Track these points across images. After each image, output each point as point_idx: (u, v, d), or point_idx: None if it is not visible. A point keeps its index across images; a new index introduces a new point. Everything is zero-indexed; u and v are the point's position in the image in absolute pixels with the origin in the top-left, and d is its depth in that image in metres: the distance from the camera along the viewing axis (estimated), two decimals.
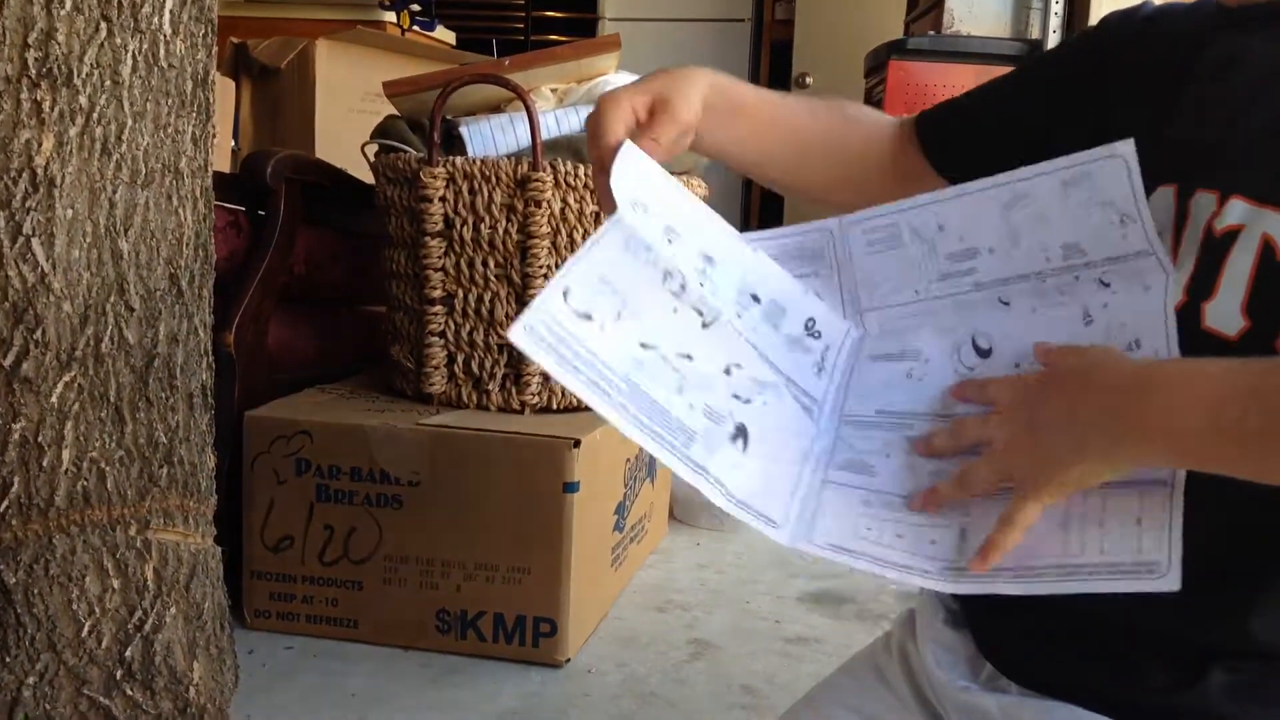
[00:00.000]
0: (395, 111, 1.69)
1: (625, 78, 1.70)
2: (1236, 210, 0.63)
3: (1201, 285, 0.64)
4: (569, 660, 1.43)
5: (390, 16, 2.79)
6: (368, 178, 1.71)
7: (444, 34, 3.06)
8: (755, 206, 5.74)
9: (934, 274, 0.69)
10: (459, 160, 1.53)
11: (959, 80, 3.44)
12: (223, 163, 2.21)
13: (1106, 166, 0.62)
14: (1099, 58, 0.78)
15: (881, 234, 0.72)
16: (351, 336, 1.88)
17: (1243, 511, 0.61)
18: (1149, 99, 0.73)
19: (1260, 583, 0.61)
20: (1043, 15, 3.39)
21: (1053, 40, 3.35)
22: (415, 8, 2.86)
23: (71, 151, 1.02)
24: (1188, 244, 0.65)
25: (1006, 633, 0.72)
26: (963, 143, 0.86)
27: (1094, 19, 3.00)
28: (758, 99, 0.89)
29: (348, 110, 2.48)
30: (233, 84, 2.54)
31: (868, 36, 4.31)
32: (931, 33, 3.55)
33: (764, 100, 0.90)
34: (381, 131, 1.63)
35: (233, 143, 2.59)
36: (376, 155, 1.63)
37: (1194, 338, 0.63)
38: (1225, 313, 0.62)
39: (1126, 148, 0.62)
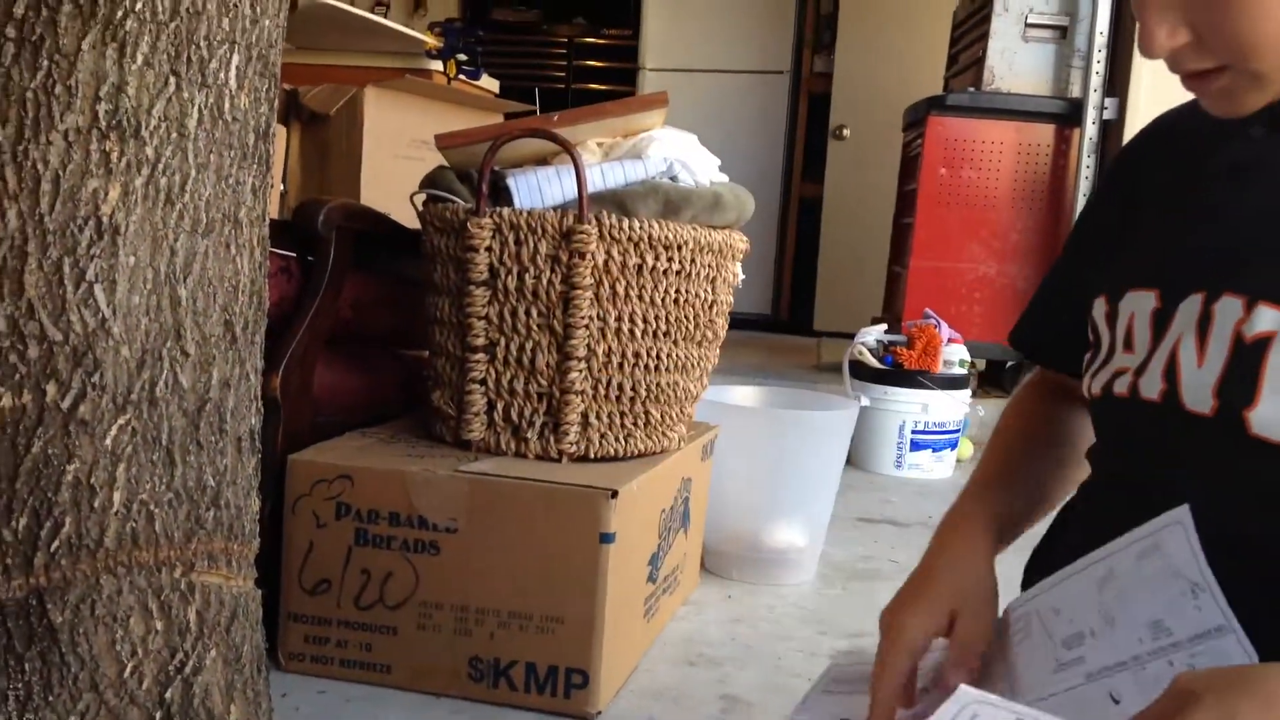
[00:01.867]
0: (444, 162, 1.72)
1: (670, 133, 1.73)
2: (1267, 317, 0.63)
3: (1237, 391, 0.64)
4: (600, 713, 1.43)
5: (437, 65, 2.85)
6: (412, 222, 1.74)
7: (488, 83, 3.11)
8: (788, 269, 5.75)
9: (1052, 664, 0.65)
10: (505, 211, 1.56)
11: (999, 136, 3.46)
12: (272, 208, 2.26)
13: (1169, 534, 0.60)
14: (1121, 183, 0.80)
15: (1020, 623, 0.69)
16: (394, 381, 1.90)
17: None
18: (1169, 208, 0.74)
19: None
20: (1084, 74, 3.41)
21: (1093, 99, 3.36)
22: (462, 57, 2.92)
23: (136, 201, 1.05)
24: (1214, 347, 0.66)
25: None
26: (1056, 343, 0.86)
27: (1135, 78, 3.02)
28: (1018, 511, 0.87)
29: (394, 156, 2.53)
30: (283, 129, 2.59)
31: (906, 90, 4.36)
32: (971, 89, 3.58)
33: (1019, 508, 0.87)
34: (430, 181, 1.66)
35: (281, 187, 2.64)
36: (425, 204, 1.66)
37: (1238, 444, 0.63)
38: (1272, 419, 0.63)
39: (1183, 513, 0.59)
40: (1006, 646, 0.72)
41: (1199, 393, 0.66)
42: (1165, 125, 0.79)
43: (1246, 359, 0.64)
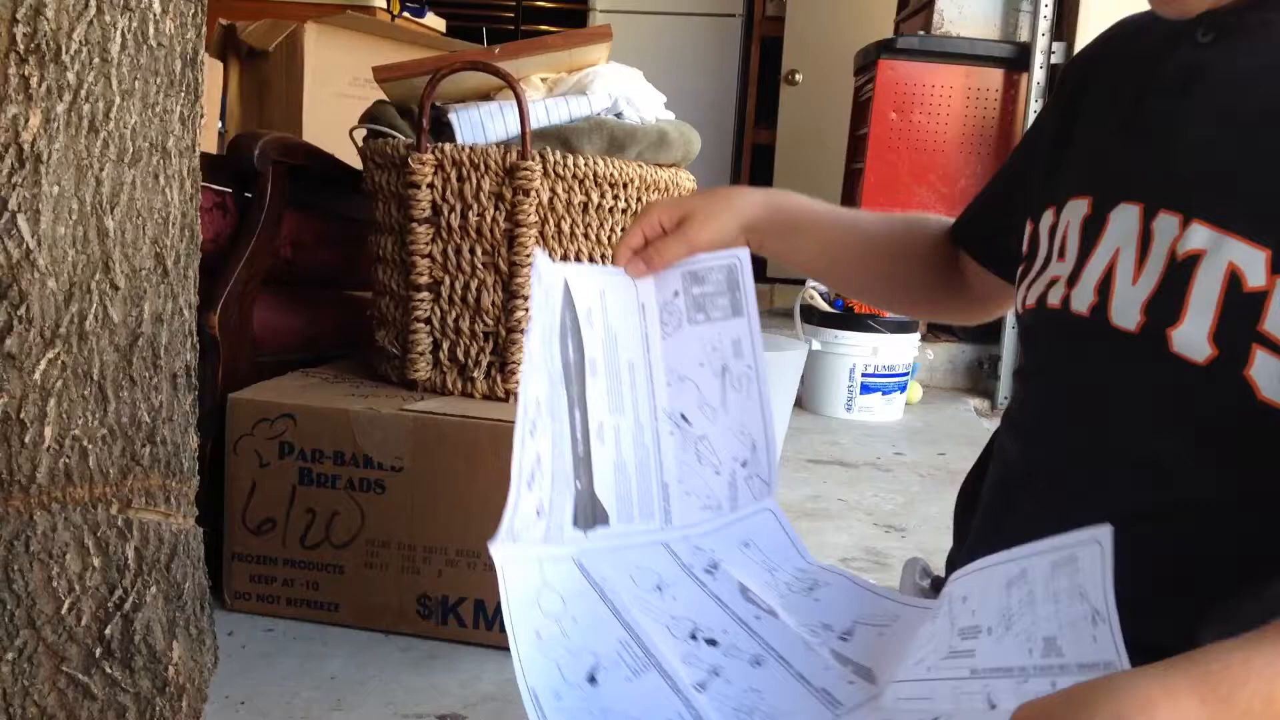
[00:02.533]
0: (384, 97, 1.69)
1: (615, 69, 1.70)
2: (1198, 235, 0.63)
3: (1164, 309, 0.64)
4: None
5: (380, 2, 2.79)
6: (355, 162, 1.71)
7: (434, 21, 3.05)
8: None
9: (945, 650, 0.66)
10: (448, 147, 1.54)
11: (948, 80, 3.46)
12: (210, 145, 2.21)
13: (1086, 551, 0.59)
14: (1071, 92, 0.79)
15: (937, 603, 0.71)
16: (336, 321, 1.88)
17: (1200, 543, 0.63)
18: (1113, 117, 0.74)
19: (1210, 605, 0.63)
20: (1032, 18, 3.41)
21: (1041, 43, 3.37)
22: None
23: (59, 128, 1.02)
24: (1151, 265, 0.66)
25: None
26: (993, 233, 0.86)
27: (1083, 22, 3.04)
28: (818, 218, 0.90)
29: (335, 95, 2.48)
30: (220, 66, 2.53)
31: (858, 34, 4.33)
32: (921, 32, 3.57)
33: (826, 218, 0.91)
34: (370, 116, 1.63)
35: (219, 125, 2.58)
36: (365, 140, 1.63)
37: (1160, 360, 0.63)
38: (1192, 339, 0.63)
39: (1104, 533, 0.58)
40: (914, 623, 0.73)
41: (1128, 308, 0.66)
42: (1119, 32, 0.79)
43: (1176, 277, 0.64)
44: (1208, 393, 0.62)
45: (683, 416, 0.83)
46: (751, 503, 0.82)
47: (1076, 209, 0.72)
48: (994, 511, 0.79)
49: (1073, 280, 0.70)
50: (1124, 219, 0.68)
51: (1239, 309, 0.61)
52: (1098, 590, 0.58)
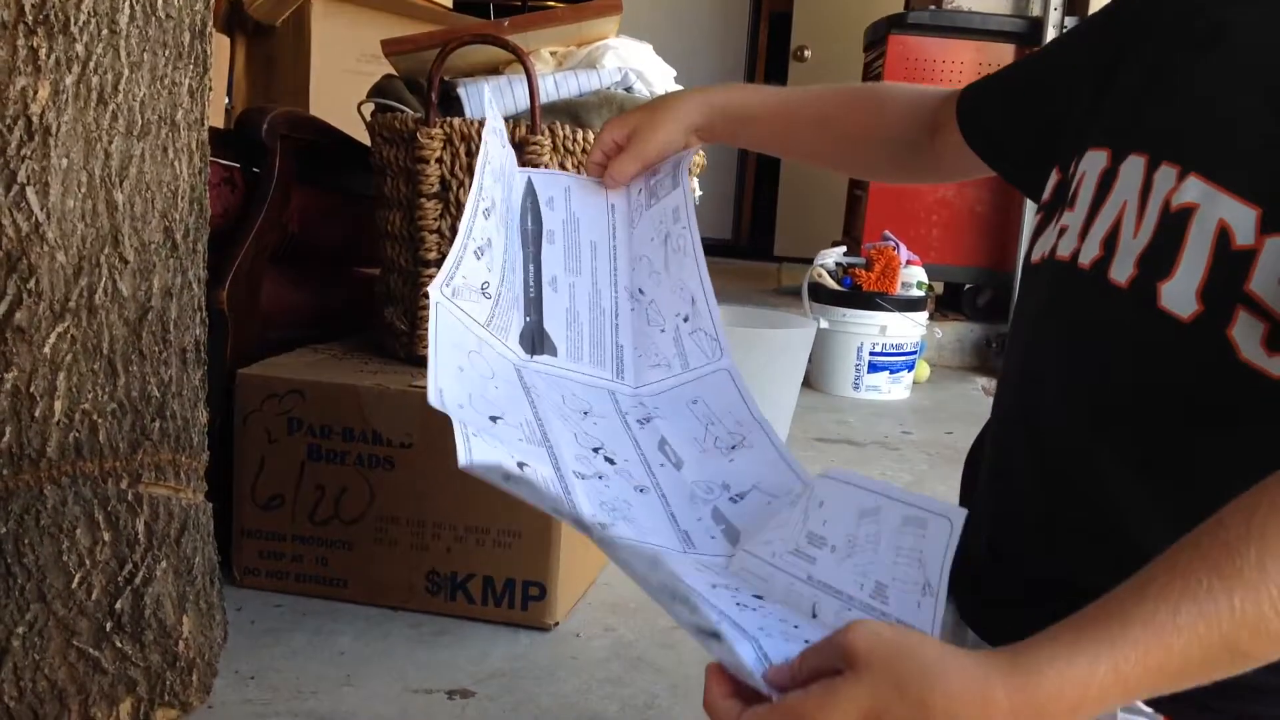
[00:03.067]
0: (393, 71, 1.68)
1: (625, 43, 1.69)
2: (1192, 189, 0.62)
3: (1157, 262, 0.63)
4: (557, 624, 1.44)
5: None
6: (362, 138, 1.70)
7: None
8: (749, 194, 5.72)
9: (792, 545, 0.68)
10: (456, 121, 1.52)
11: (959, 56, 3.43)
12: (217, 120, 2.19)
13: (937, 524, 0.60)
14: (1114, 27, 0.78)
15: (813, 491, 0.72)
16: (344, 297, 1.87)
17: (1179, 500, 0.62)
18: (1139, 68, 0.73)
19: None
20: None
21: (1053, 18, 3.34)
22: None
23: (67, 100, 1.01)
24: (1148, 218, 0.65)
25: (986, 601, 0.73)
26: (992, 114, 0.86)
27: None
28: (770, 106, 0.91)
29: (343, 70, 2.46)
30: (227, 41, 2.51)
31: (867, 10, 4.29)
32: (932, 8, 3.54)
33: (781, 104, 0.92)
34: (379, 90, 1.62)
35: (226, 100, 2.56)
36: (373, 114, 1.62)
37: (1148, 315, 0.63)
38: (1180, 294, 0.62)
39: (958, 515, 0.58)
40: (789, 503, 0.76)
41: (1125, 261, 0.66)
42: None
43: (1170, 230, 0.63)
44: (1190, 349, 0.62)
45: (640, 290, 0.89)
46: (703, 360, 0.85)
47: (1095, 160, 0.71)
48: (992, 464, 0.79)
49: (1084, 233, 0.70)
50: (1131, 171, 0.67)
51: (1226, 266, 0.60)
52: (935, 564, 0.59)
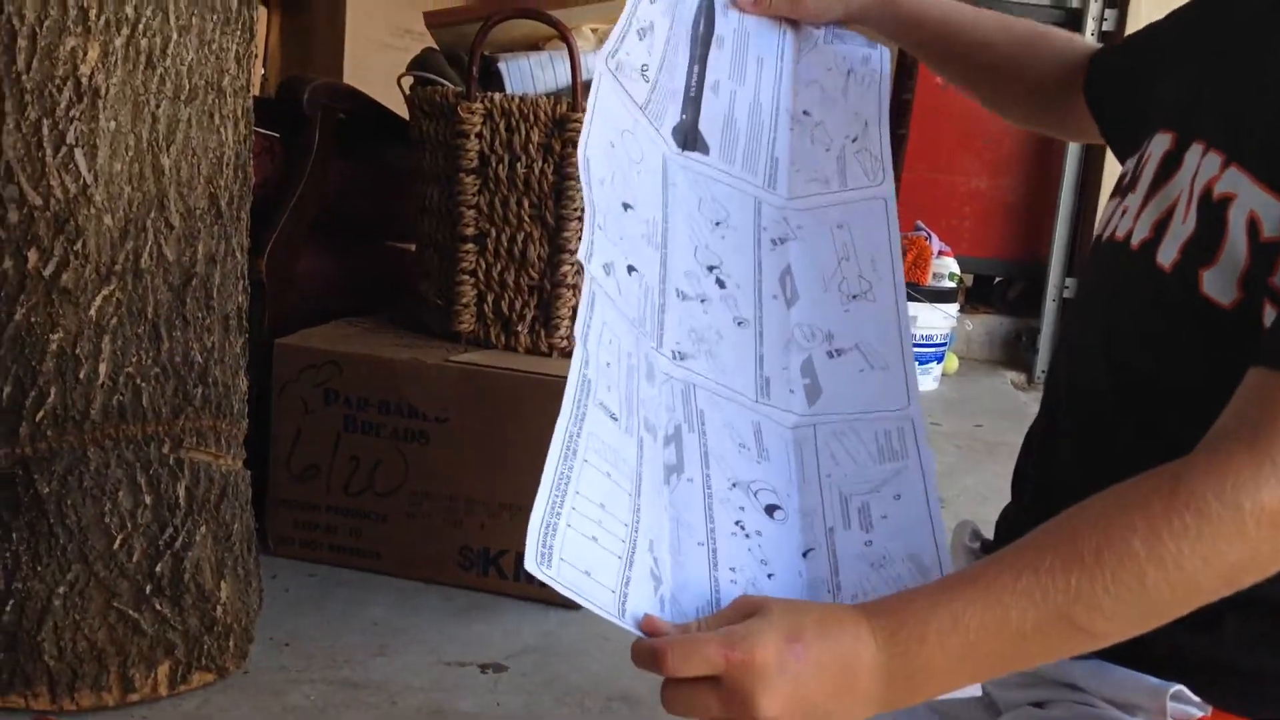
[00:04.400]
0: (433, 44, 1.67)
1: None
2: (1230, 179, 0.62)
3: (1200, 250, 0.63)
4: None
5: None
6: (399, 111, 1.69)
7: None
8: None
9: (851, 488, 0.70)
10: (497, 97, 1.51)
11: None
12: (253, 89, 2.19)
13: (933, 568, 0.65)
14: (1205, 4, 0.77)
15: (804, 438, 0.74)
16: (379, 270, 1.87)
17: None
18: (1213, 48, 0.72)
19: None
20: None
21: (1093, 10, 3.29)
22: None
23: (116, 62, 1.01)
24: (1194, 205, 0.64)
25: None
26: (1105, 84, 0.85)
27: None
28: (939, 12, 0.91)
29: (378, 44, 2.46)
30: (264, 10, 2.51)
31: None
32: None
33: (950, 13, 0.91)
34: (419, 63, 1.61)
35: (261, 71, 2.57)
36: (413, 87, 1.61)
37: (1191, 303, 0.62)
38: (1222, 282, 0.61)
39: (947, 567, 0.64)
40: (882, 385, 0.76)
41: (1171, 245, 0.65)
42: None
43: (1212, 218, 0.62)
44: (1229, 337, 0.61)
45: (804, 112, 0.86)
46: (863, 181, 0.83)
47: (1161, 142, 0.70)
48: (1040, 452, 0.78)
49: (1138, 214, 0.69)
50: (1191, 158, 0.67)
51: (1258, 258, 0.60)
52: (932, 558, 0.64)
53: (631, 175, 0.70)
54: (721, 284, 0.74)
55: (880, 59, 0.89)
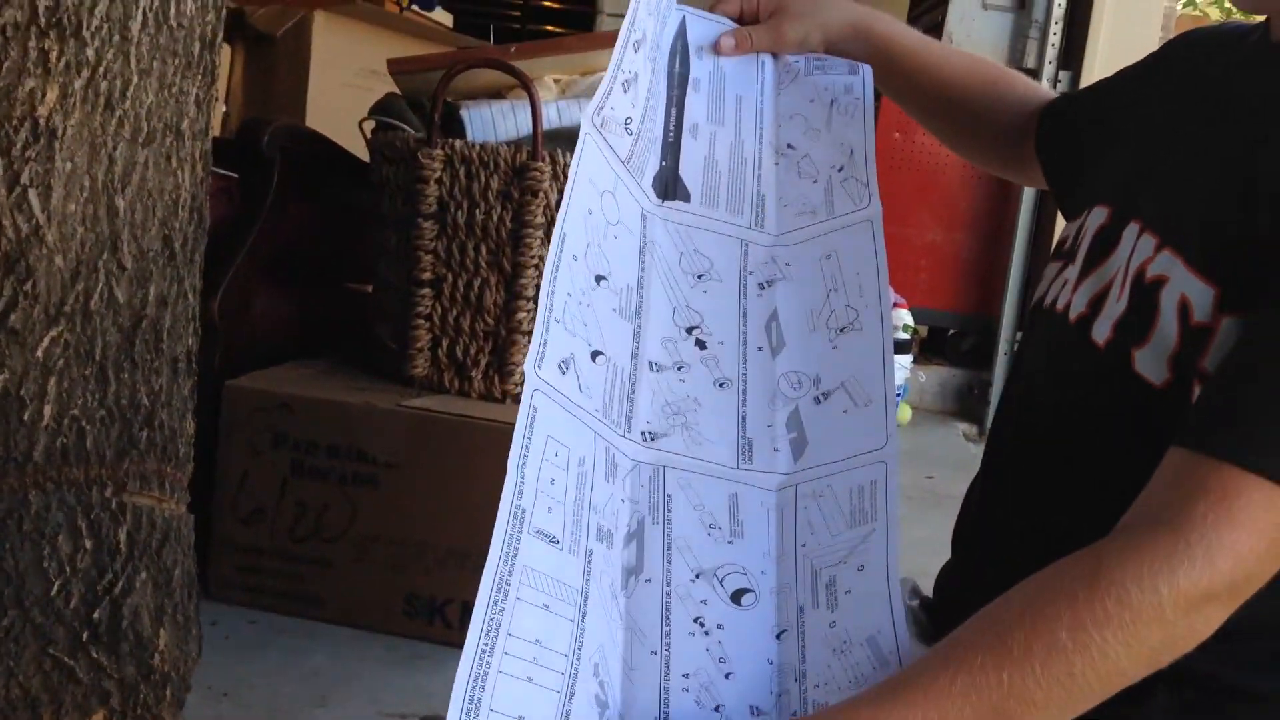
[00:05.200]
0: (395, 89, 1.68)
1: None
2: (1163, 261, 0.64)
3: (1132, 329, 0.65)
4: None
5: None
6: (359, 153, 1.70)
7: (442, 15, 3.04)
8: None
9: (823, 562, 0.71)
10: (458, 143, 1.53)
11: None
12: (213, 126, 2.19)
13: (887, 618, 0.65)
14: (1146, 82, 0.80)
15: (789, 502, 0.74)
16: (335, 313, 1.87)
17: None
18: (1150, 129, 0.74)
19: None
20: (1039, 44, 3.44)
21: (1048, 70, 3.39)
22: None
23: (75, 104, 1.00)
24: (1129, 284, 0.67)
25: None
26: (1054, 138, 0.87)
27: (1090, 50, 3.04)
28: (903, 51, 0.92)
29: (341, 84, 2.46)
30: (227, 48, 2.51)
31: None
32: None
33: (909, 53, 0.93)
34: (381, 108, 1.62)
35: (223, 106, 2.56)
36: (374, 132, 1.62)
37: (1124, 380, 0.64)
38: (1153, 362, 0.64)
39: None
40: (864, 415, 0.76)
41: (1104, 323, 0.67)
42: (1169, 52, 0.80)
43: (1145, 298, 0.65)
44: (1161, 414, 0.63)
45: (789, 146, 0.86)
46: (850, 207, 0.83)
47: (1097, 217, 0.73)
48: (979, 510, 0.80)
49: (1076, 287, 0.71)
50: (1129, 237, 0.69)
51: (1188, 340, 0.62)
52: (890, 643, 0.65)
53: (608, 241, 0.70)
54: (702, 344, 0.74)
55: (863, 85, 0.89)
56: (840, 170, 0.84)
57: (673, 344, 0.73)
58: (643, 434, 0.69)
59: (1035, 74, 3.42)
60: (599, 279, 0.68)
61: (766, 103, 0.87)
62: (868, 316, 0.77)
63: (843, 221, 0.82)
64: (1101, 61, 3.26)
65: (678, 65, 0.83)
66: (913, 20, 4.11)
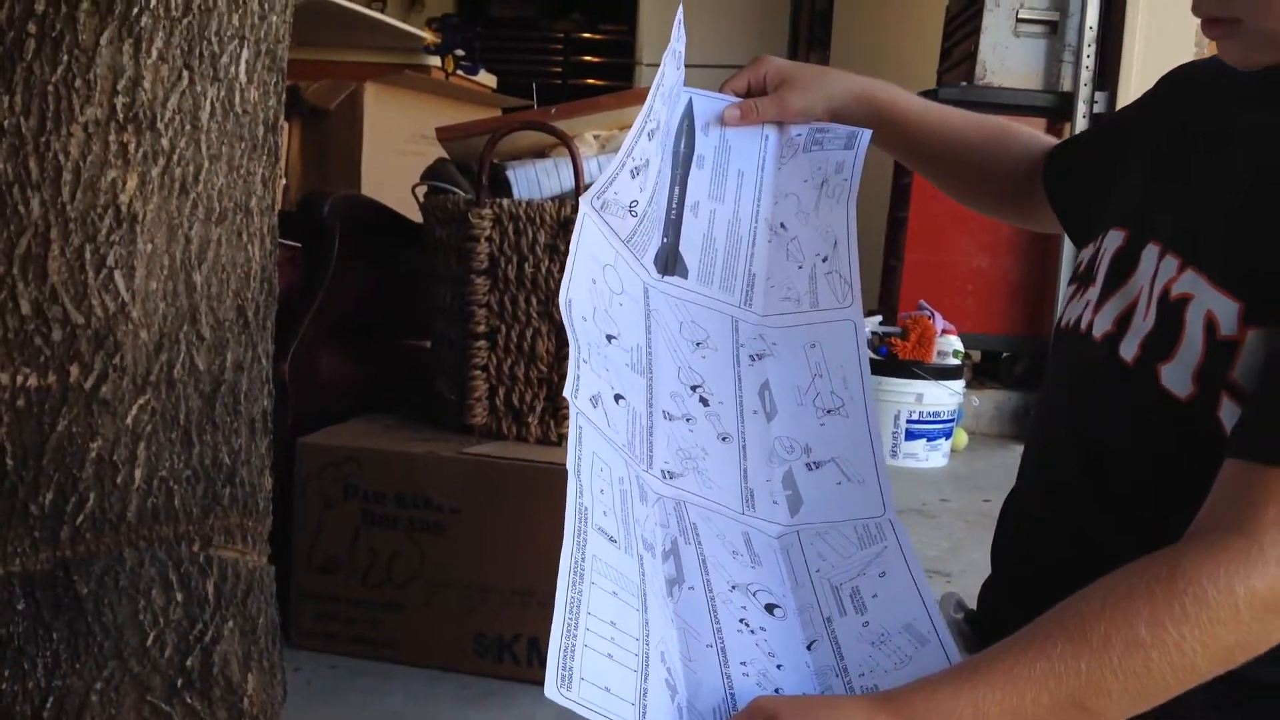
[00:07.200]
0: (444, 154, 1.77)
1: None
2: (1189, 281, 0.68)
3: (1159, 345, 0.69)
4: None
5: (435, 61, 2.89)
6: (412, 214, 1.79)
7: (486, 78, 3.15)
8: None
9: (840, 579, 0.75)
10: (505, 202, 1.61)
11: None
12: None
13: (934, 652, 0.68)
14: (1148, 113, 0.84)
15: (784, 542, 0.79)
16: (396, 369, 1.95)
17: None
18: (1159, 157, 0.78)
19: None
20: (1074, 68, 3.45)
21: (1084, 93, 3.41)
22: (460, 53, 2.97)
23: (153, 190, 1.10)
24: (1154, 304, 0.70)
25: None
26: (1063, 177, 0.91)
27: (1124, 72, 3.07)
28: (906, 117, 0.97)
29: (393, 151, 2.57)
30: (285, 124, 2.64)
31: (900, 85, 4.39)
32: (963, 83, 3.62)
33: (921, 112, 0.98)
34: (432, 173, 1.71)
35: (283, 180, 2.68)
36: (426, 196, 1.71)
37: (1150, 395, 0.68)
38: (1179, 376, 0.67)
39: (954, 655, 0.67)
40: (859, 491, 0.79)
41: (1132, 341, 0.71)
42: (1189, 74, 0.84)
43: (1170, 316, 0.68)
44: (1185, 427, 0.67)
45: (781, 225, 0.90)
46: (833, 304, 0.87)
47: (1114, 239, 0.76)
48: (1015, 524, 0.83)
49: (1098, 307, 0.75)
50: (1148, 258, 0.72)
51: (1215, 354, 0.66)
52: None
53: (614, 307, 0.75)
54: (705, 401, 0.79)
55: (854, 161, 0.93)
56: (825, 261, 0.88)
57: (680, 399, 0.77)
58: (663, 472, 0.73)
59: (1071, 97, 3.44)
60: (609, 338, 0.73)
61: (766, 178, 0.91)
62: (853, 407, 0.82)
63: (825, 317, 0.87)
64: (1137, 81, 3.27)
65: (683, 145, 0.88)
66: (945, 50, 4.15)
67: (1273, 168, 0.67)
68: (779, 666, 0.67)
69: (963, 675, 0.61)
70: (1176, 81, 0.84)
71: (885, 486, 0.79)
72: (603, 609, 0.60)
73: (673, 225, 0.85)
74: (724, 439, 0.78)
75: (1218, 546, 0.59)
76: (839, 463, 0.80)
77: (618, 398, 0.71)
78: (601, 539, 0.63)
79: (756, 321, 0.86)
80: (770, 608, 0.71)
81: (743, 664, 0.66)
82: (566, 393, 0.67)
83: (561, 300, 0.69)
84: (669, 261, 0.84)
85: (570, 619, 0.58)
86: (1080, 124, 3.38)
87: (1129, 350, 0.71)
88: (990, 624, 0.80)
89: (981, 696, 0.59)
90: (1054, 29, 3.49)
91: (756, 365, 0.83)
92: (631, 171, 0.78)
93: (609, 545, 0.63)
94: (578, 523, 0.62)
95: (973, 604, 0.88)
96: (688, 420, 0.77)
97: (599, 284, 0.75)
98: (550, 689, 0.55)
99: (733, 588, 0.71)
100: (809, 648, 0.69)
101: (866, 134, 0.94)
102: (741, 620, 0.69)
